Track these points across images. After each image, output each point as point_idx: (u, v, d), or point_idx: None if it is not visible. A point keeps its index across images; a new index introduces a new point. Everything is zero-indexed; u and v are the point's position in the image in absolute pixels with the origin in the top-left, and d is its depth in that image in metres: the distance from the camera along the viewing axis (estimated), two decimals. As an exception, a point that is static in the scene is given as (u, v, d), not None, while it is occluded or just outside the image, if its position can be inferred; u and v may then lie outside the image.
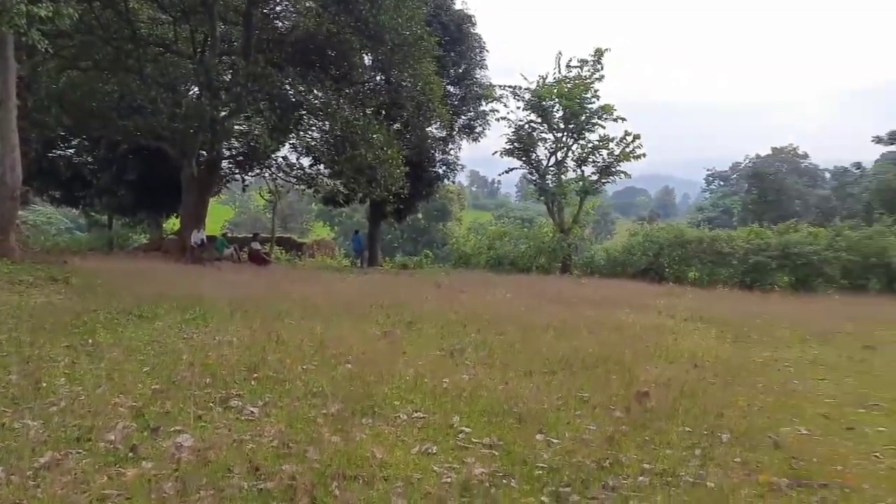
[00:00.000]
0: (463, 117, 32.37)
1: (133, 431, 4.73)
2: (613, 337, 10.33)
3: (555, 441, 5.07)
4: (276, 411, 5.46)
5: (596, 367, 7.81)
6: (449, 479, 4.19)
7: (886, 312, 16.42)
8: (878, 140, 63.00)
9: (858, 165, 69.97)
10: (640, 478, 4.44)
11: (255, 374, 6.55)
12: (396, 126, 28.71)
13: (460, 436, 5.12)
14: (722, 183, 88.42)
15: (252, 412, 5.41)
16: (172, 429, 4.84)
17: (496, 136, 32.93)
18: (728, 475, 4.57)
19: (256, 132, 24.89)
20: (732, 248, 27.83)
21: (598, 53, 31.21)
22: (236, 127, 25.01)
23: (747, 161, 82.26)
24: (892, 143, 61.93)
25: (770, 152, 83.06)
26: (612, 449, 4.95)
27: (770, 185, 65.07)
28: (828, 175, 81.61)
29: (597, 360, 8.13)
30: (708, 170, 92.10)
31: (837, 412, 6.86)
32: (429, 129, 30.39)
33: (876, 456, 5.41)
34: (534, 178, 32.94)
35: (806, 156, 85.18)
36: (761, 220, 36.79)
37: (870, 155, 65.96)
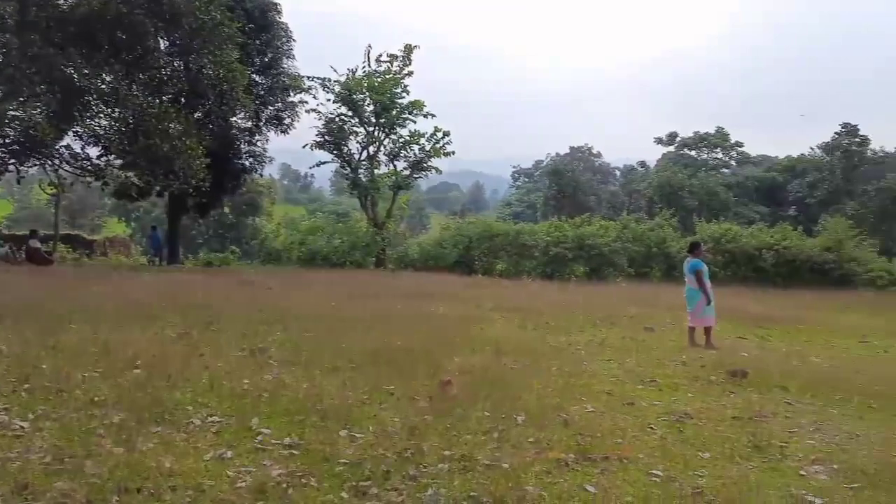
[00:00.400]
0: (270, 108, 31.30)
1: None
2: (422, 328, 10.50)
3: (358, 436, 5.03)
4: (49, 424, 4.92)
5: (403, 359, 7.88)
6: (243, 484, 3.99)
7: (664, 297, 18.21)
8: (659, 141, 70.21)
9: (643, 164, 77.46)
10: (441, 465, 4.52)
11: (27, 385, 5.86)
12: (197, 115, 27.11)
13: (259, 438, 4.91)
14: (527, 179, 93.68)
15: (21, 427, 4.84)
16: (-81, 453, 4.23)
17: (308, 128, 32.19)
18: (521, 455, 4.78)
19: (35, 119, 22.35)
20: (535, 240, 29.54)
21: (408, 49, 31.67)
22: (10, 112, 22.28)
23: (548, 159, 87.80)
24: (671, 144, 69.27)
25: (568, 151, 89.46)
26: (415, 439, 4.99)
27: (567, 182, 69.94)
28: (618, 172, 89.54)
29: (404, 353, 8.20)
30: (514, 167, 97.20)
31: (620, 389, 7.48)
32: (233, 119, 29.06)
33: (651, 428, 5.95)
34: (346, 171, 32.79)
35: (599, 155, 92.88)
36: (560, 215, 39.48)
37: (654, 154, 73.42)
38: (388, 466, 4.42)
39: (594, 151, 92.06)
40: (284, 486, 4.00)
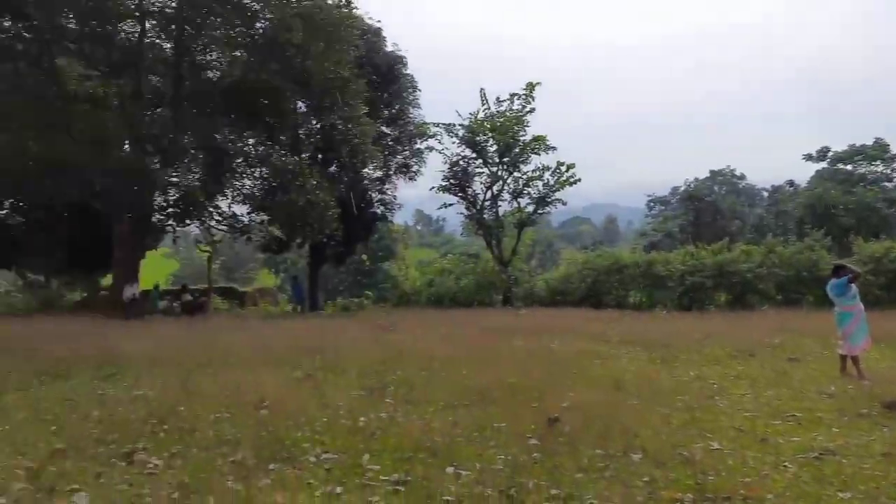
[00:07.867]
0: (398, 157, 32.49)
1: (28, 493, 4.61)
2: (538, 365, 10.32)
3: (464, 472, 5.01)
4: (180, 462, 5.31)
5: (515, 395, 7.78)
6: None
7: (814, 325, 16.79)
8: (809, 157, 65.56)
9: (792, 183, 72.57)
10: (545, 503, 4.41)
11: (164, 426, 6.35)
12: (331, 169, 28.67)
13: (367, 475, 5.02)
14: (663, 207, 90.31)
15: (156, 465, 5.25)
16: (68, 488, 4.70)
17: (435, 172, 33.04)
18: (632, 495, 4.57)
19: (189, 184, 24.53)
20: (669, 270, 28.35)
21: (530, 87, 31.87)
22: (170, 178, 24.62)
23: (686, 185, 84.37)
24: (822, 160, 64.47)
25: (708, 175, 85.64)
26: (521, 476, 4.91)
27: (706, 207, 66.82)
28: (765, 194, 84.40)
29: (518, 389, 8.10)
30: (648, 195, 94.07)
31: (752, 425, 6.94)
32: (364, 170, 30.43)
33: (784, 465, 5.48)
34: (471, 212, 33.17)
35: (743, 176, 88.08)
36: (697, 242, 37.60)
37: (803, 173, 68.42)
38: (490, 504, 4.34)
39: (737, 173, 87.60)
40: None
